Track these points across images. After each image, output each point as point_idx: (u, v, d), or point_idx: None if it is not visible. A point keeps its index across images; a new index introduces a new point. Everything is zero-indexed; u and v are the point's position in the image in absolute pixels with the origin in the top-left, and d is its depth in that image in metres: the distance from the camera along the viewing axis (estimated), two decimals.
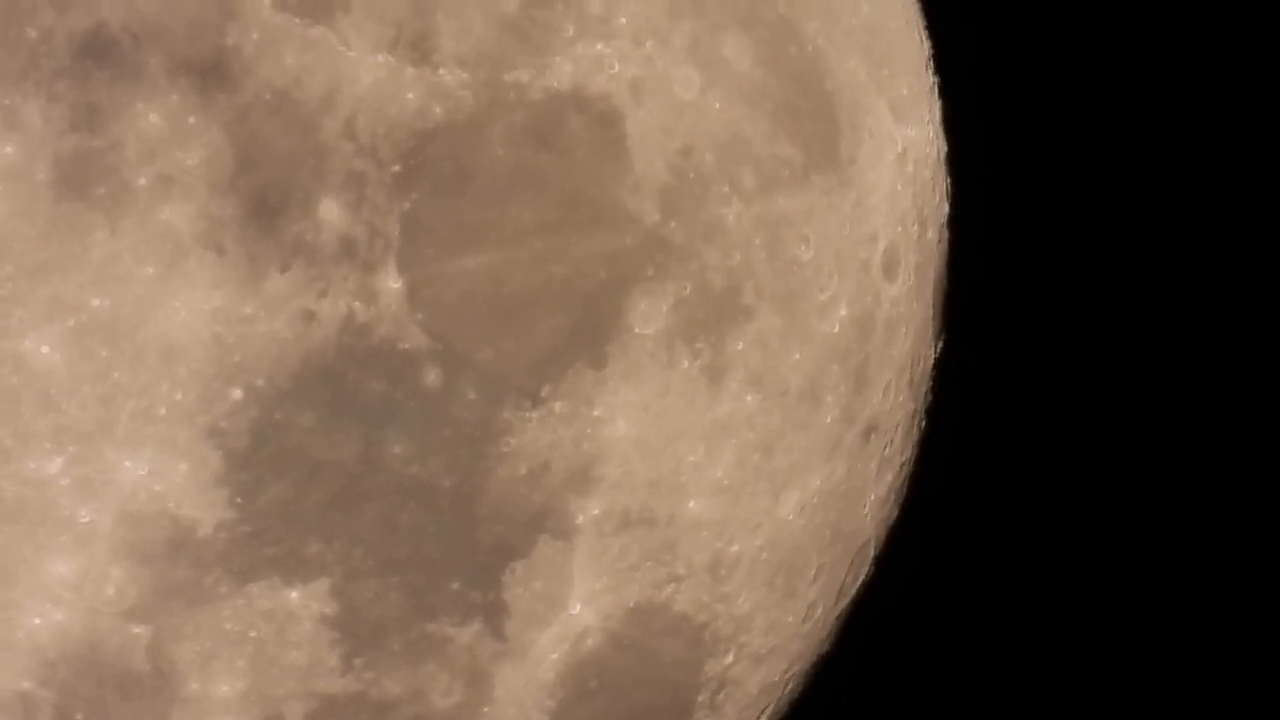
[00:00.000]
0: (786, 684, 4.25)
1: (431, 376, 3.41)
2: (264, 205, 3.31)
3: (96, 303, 3.31)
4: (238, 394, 3.34)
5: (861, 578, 4.38)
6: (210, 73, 3.32)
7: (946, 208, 4.35)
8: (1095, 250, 5.74)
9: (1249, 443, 6.23)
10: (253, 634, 3.48)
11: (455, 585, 3.53)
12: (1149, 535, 5.78)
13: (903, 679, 5.45)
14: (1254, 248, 5.97)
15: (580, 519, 3.59)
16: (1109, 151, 5.76)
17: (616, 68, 3.53)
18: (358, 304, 3.36)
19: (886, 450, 4.16)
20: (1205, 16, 5.90)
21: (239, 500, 3.39)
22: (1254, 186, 5.89)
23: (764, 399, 3.75)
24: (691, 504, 3.72)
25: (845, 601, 4.35)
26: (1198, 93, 5.83)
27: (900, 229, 4.04)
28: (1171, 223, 5.75)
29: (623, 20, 3.54)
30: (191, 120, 3.29)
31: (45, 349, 3.34)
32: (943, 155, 4.36)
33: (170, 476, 3.37)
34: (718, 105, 3.63)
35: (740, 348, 3.67)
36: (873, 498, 4.19)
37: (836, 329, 3.86)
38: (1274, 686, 6.15)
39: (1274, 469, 6.19)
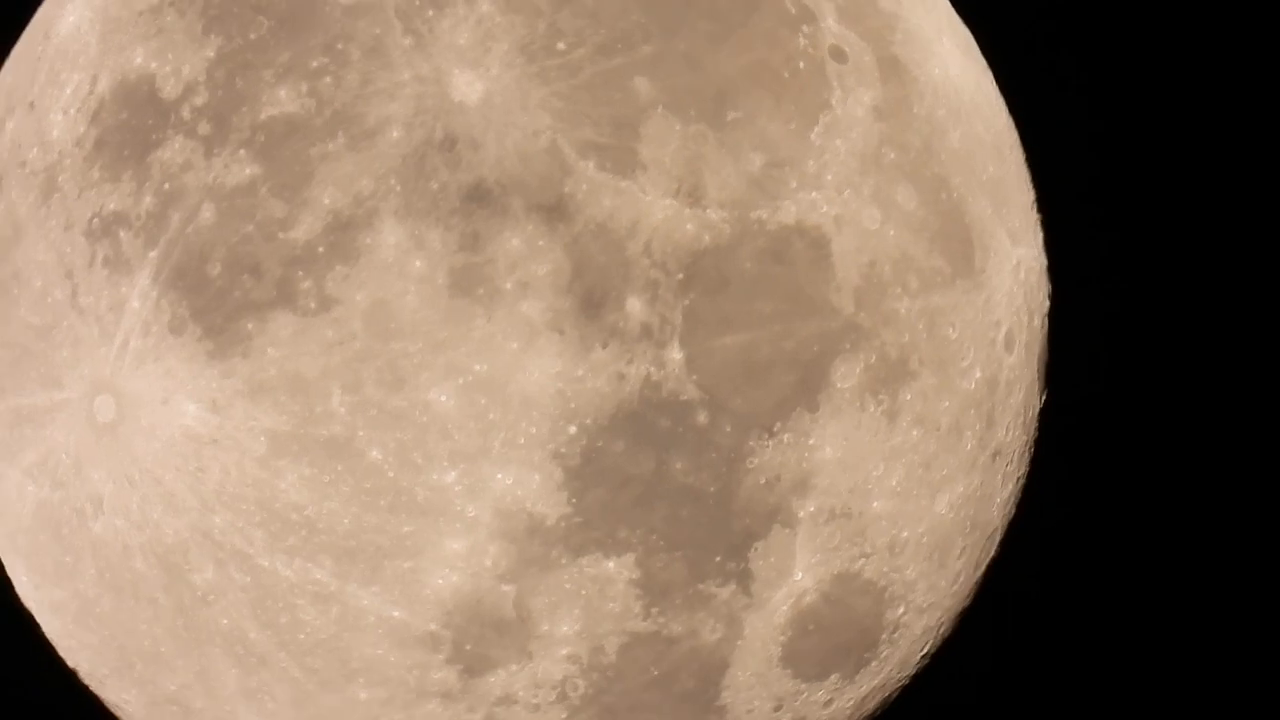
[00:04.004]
0: (940, 627, 4.49)
1: (701, 417, 3.82)
2: (590, 301, 3.74)
3: (478, 367, 3.74)
4: (573, 429, 3.77)
5: (991, 555, 4.54)
6: (554, 211, 3.73)
7: (1047, 303, 4.54)
8: (1155, 343, 5.81)
9: None
10: (583, 591, 3.87)
11: (718, 558, 3.92)
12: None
13: (1019, 626, 5.70)
14: None
15: (801, 514, 3.97)
16: (1170, 246, 5.84)
17: (825, 208, 3.92)
18: (653, 369, 3.78)
19: (1008, 468, 4.41)
20: None
21: (573, 500, 3.81)
22: None
23: (925, 433, 4.08)
24: (875, 504, 4.07)
25: (980, 571, 4.51)
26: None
27: (1015, 318, 4.31)
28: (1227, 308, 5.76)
29: (829, 176, 3.92)
30: (541, 243, 3.73)
31: (444, 398, 3.75)
32: (1044, 267, 4.53)
33: (528, 484, 3.79)
34: (893, 233, 4.01)
35: (908, 398, 4.04)
36: (998, 500, 4.44)
37: (973, 386, 4.18)
38: None
39: None
